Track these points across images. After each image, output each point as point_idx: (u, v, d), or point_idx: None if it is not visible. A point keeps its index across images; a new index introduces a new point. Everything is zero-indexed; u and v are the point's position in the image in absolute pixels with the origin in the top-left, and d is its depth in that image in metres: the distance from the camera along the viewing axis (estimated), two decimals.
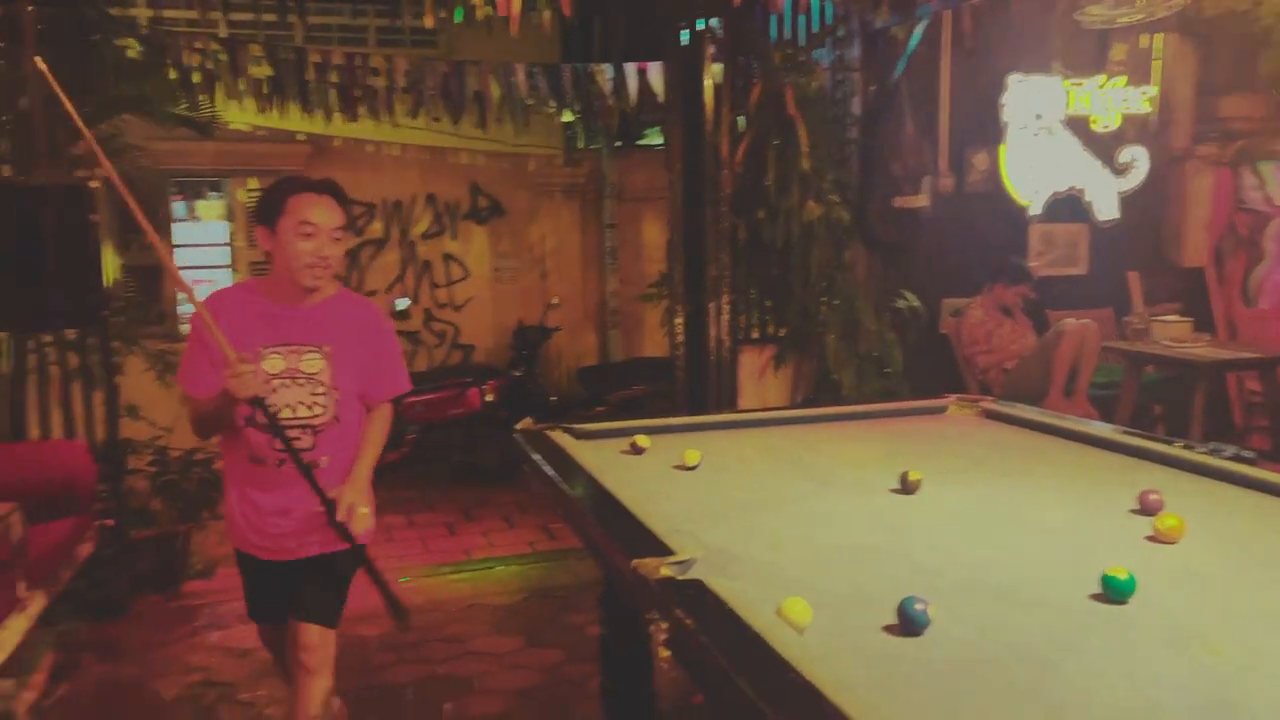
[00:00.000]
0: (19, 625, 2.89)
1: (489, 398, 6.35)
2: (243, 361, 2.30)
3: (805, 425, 3.09)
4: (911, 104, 5.61)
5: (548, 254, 7.80)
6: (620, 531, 1.92)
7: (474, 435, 6.43)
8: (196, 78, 4.93)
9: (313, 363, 2.46)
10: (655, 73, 5.44)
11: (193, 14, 5.94)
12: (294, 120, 5.60)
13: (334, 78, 5.21)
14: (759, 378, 5.43)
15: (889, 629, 1.49)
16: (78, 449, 3.69)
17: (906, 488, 2.26)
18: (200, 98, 5.09)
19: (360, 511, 2.43)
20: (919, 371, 5.46)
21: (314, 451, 2.45)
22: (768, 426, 3.08)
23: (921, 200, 5.54)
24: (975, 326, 5.50)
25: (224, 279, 7.20)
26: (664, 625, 1.56)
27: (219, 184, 7.12)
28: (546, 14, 4.49)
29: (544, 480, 2.46)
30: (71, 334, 4.34)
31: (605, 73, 5.51)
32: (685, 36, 5.08)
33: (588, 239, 7.92)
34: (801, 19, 5.42)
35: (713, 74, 4.99)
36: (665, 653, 1.57)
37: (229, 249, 7.15)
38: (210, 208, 7.20)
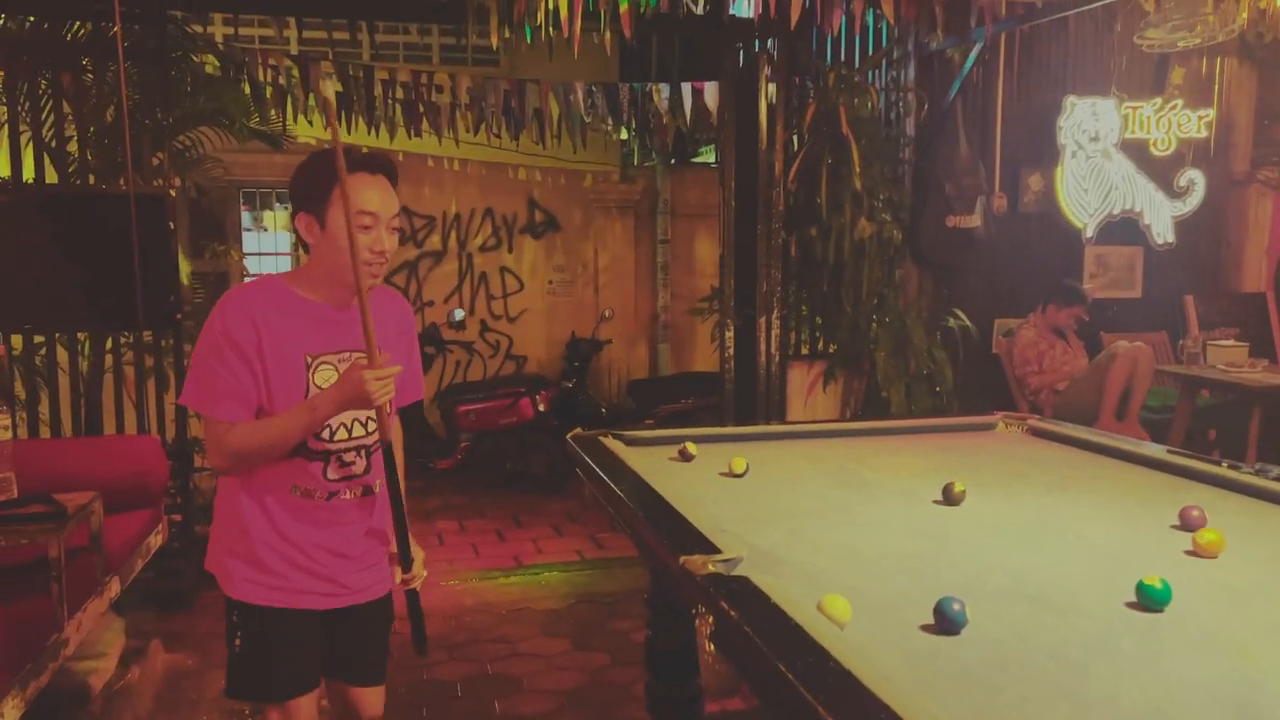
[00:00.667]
0: (97, 609, 3.04)
1: (541, 408, 6.47)
2: (389, 363, 1.97)
3: (853, 438, 3.14)
4: (966, 125, 5.65)
5: (601, 268, 7.93)
6: (668, 530, 2.00)
7: (526, 444, 6.56)
8: (269, 93, 5.14)
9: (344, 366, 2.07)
10: (710, 92, 5.54)
11: (268, 31, 6.19)
12: (360, 135, 5.80)
13: (399, 94, 5.39)
14: (808, 394, 5.49)
15: (926, 628, 1.55)
16: (152, 445, 3.86)
17: (950, 499, 2.31)
18: (272, 112, 5.31)
19: (420, 558, 2.15)
20: (970, 391, 5.48)
21: (368, 476, 2.13)
22: (815, 439, 3.14)
23: (974, 220, 5.56)
24: (1027, 347, 5.49)
25: None
26: (710, 619, 1.64)
27: (285, 195, 7.37)
28: (607, 35, 4.61)
29: (596, 481, 2.55)
30: (147, 336, 4.54)
31: (662, 92, 5.63)
32: (742, 57, 5.19)
33: (641, 254, 8.04)
34: (857, 40, 5.49)
35: (767, 94, 5.08)
36: (711, 646, 1.65)
37: (291, 258, 7.39)
38: (276, 218, 7.45)
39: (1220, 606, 1.67)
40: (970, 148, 5.67)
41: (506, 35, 4.72)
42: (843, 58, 5.48)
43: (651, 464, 2.61)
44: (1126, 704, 1.32)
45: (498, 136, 5.99)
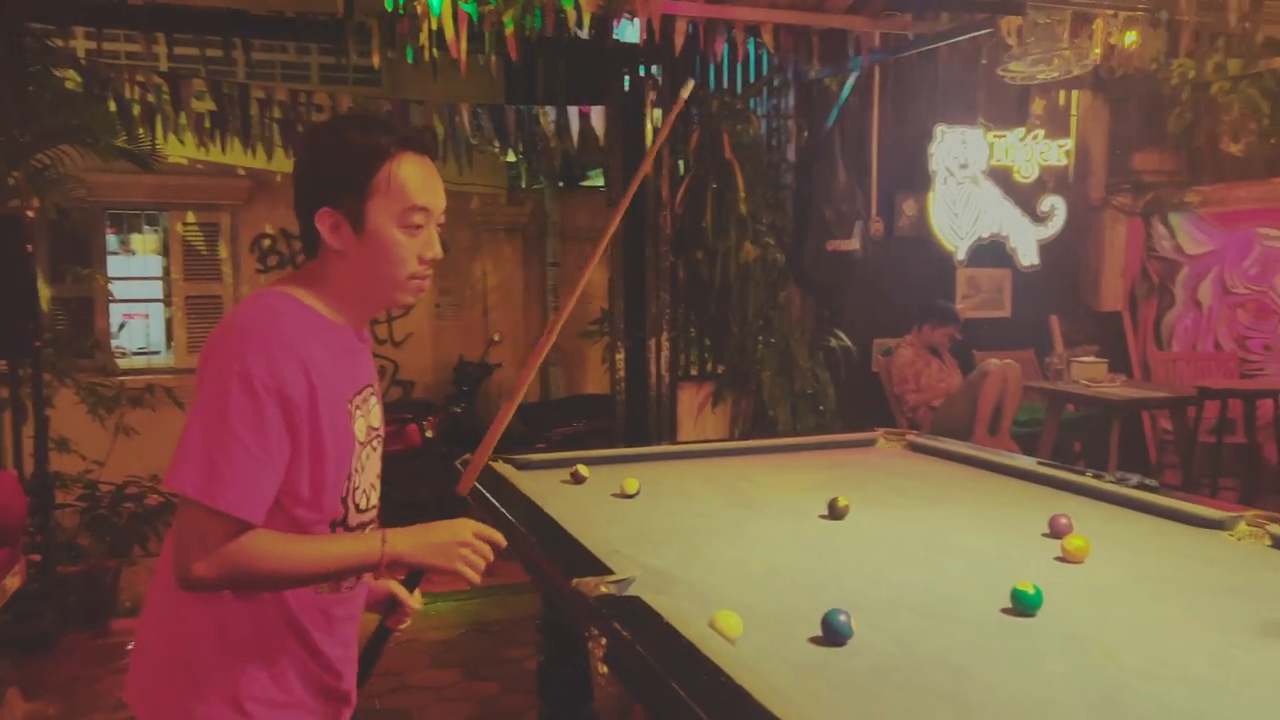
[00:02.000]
0: None
1: (429, 434, 6.36)
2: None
3: (741, 456, 3.19)
4: (844, 152, 5.83)
5: (489, 291, 7.87)
6: (560, 554, 1.99)
7: (413, 472, 6.42)
8: (137, 110, 4.93)
9: (377, 412, 1.62)
10: (597, 116, 5.58)
11: (135, 47, 5.94)
12: (235, 155, 5.62)
13: (277, 114, 5.24)
14: (697, 414, 5.55)
15: (814, 640, 1.58)
16: (7, 480, 3.63)
17: (835, 514, 2.37)
18: (140, 130, 5.09)
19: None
20: (851, 409, 5.63)
21: None
22: (706, 458, 3.18)
23: (853, 244, 5.74)
24: (904, 366, 5.69)
25: (156, 315, 7.13)
26: (602, 640, 1.63)
27: (155, 217, 7.07)
28: (493, 57, 4.60)
29: (486, 507, 2.52)
30: (2, 365, 4.27)
31: (548, 114, 5.64)
32: (627, 83, 5.25)
33: (530, 276, 8.01)
34: (739, 68, 5.62)
35: (653, 119, 5.15)
36: (604, 668, 1.64)
37: (162, 283, 7.08)
38: (145, 241, 7.13)
39: (1087, 609, 1.76)
40: (848, 174, 5.85)
41: (389, 55, 4.67)
42: (725, 85, 5.60)
43: (543, 487, 2.59)
44: (1004, 705, 1.37)
45: None
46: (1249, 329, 6.21)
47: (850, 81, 5.52)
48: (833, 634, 1.56)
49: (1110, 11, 5.26)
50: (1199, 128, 6.78)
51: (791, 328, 5.54)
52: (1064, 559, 2.03)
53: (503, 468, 2.80)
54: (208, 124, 5.10)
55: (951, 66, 6.26)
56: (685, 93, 1.91)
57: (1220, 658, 1.54)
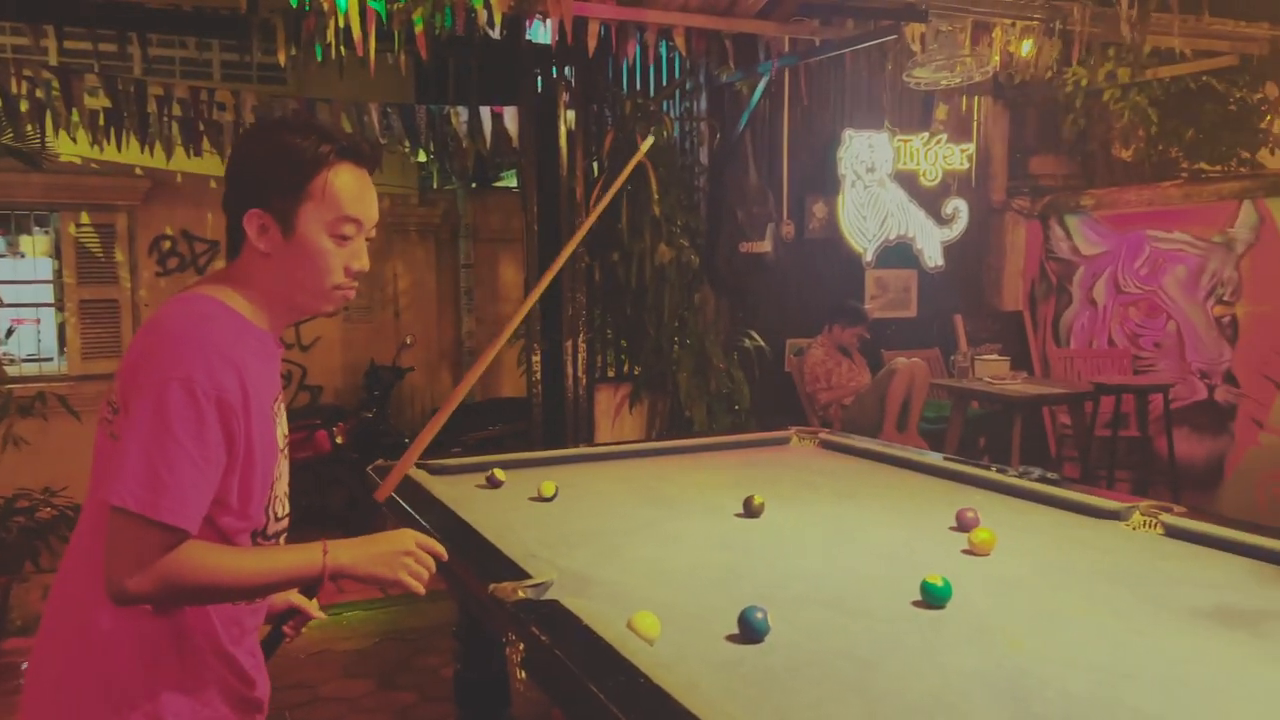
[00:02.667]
0: None
1: (338, 440, 6.22)
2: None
3: (658, 457, 3.21)
4: (755, 155, 5.91)
5: (401, 293, 7.74)
6: (477, 559, 1.97)
7: (323, 479, 6.28)
8: (24, 106, 4.70)
9: (284, 419, 1.57)
10: (510, 117, 5.54)
11: (22, 40, 5.68)
12: (132, 154, 5.40)
13: (176, 111, 5.07)
14: (615, 415, 5.55)
15: (731, 638, 1.60)
16: None
17: (751, 511, 2.40)
18: (29, 128, 4.87)
19: None
20: (766, 408, 5.71)
21: None
22: (622, 459, 3.18)
23: (765, 246, 5.82)
24: (816, 365, 5.79)
25: (48, 320, 6.82)
26: (520, 646, 1.62)
27: (46, 218, 6.76)
28: (402, 55, 4.52)
29: (400, 513, 2.47)
30: None
31: (460, 115, 5.57)
32: (540, 84, 5.22)
33: (443, 279, 7.90)
34: (651, 70, 5.65)
35: (566, 120, 5.14)
36: (522, 673, 1.63)
37: (53, 286, 6.78)
38: (35, 243, 6.81)
39: (993, 600, 1.81)
40: (759, 176, 5.93)
41: (294, 53, 4.55)
42: (638, 87, 5.62)
43: (459, 493, 2.56)
44: (912, 696, 1.40)
45: None
46: (1140, 327, 6.50)
47: (761, 86, 5.59)
48: (749, 631, 1.58)
49: (1008, 20, 5.44)
50: (1092, 134, 7.07)
51: (707, 329, 5.59)
52: (971, 551, 2.09)
53: (417, 473, 2.76)
54: (102, 121, 4.90)
55: (859, 72, 6.41)
56: (645, 146, 1.99)
57: (1119, 644, 1.60)
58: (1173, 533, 2.22)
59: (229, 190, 1.46)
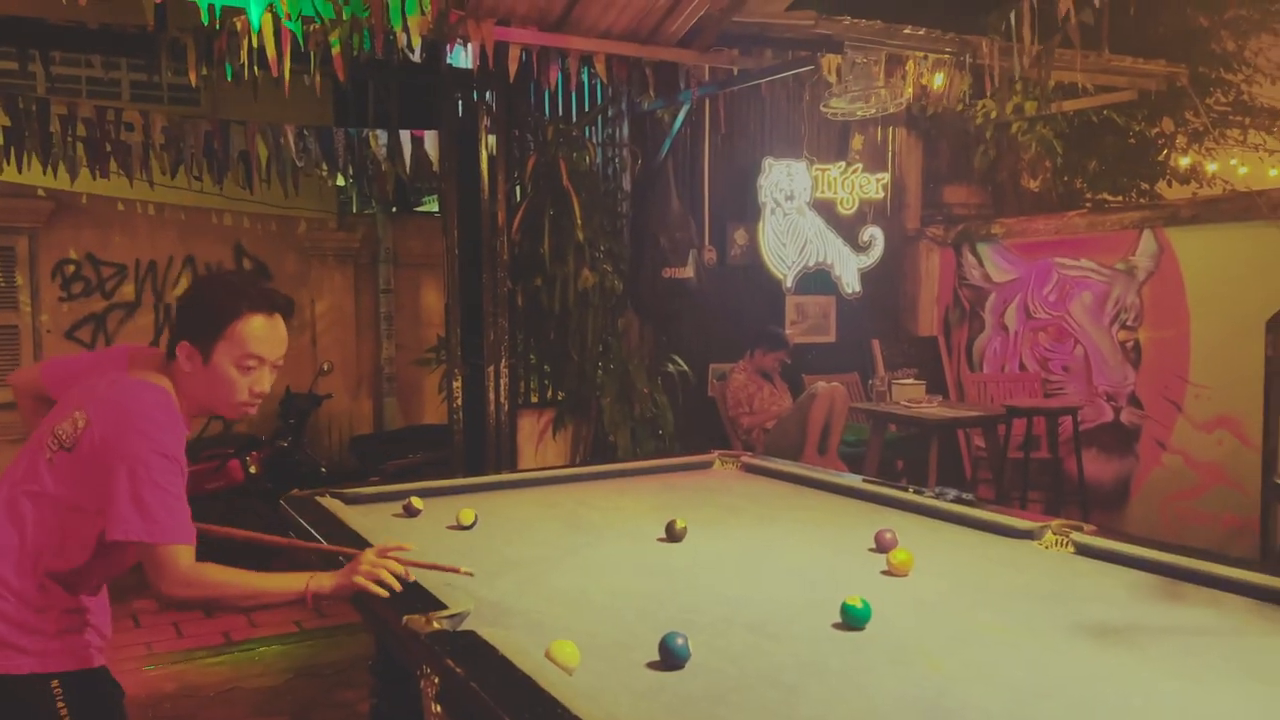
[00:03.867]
0: None
1: (252, 469, 6.02)
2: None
3: (582, 483, 3.17)
4: (677, 181, 5.96)
5: (318, 318, 7.57)
6: (391, 589, 1.91)
7: (235, 509, 6.07)
8: None
9: None
10: (431, 141, 5.49)
11: None
12: (34, 175, 5.20)
13: (81, 131, 4.89)
14: (538, 442, 5.50)
15: (653, 665, 1.58)
16: None
17: (673, 536, 2.39)
18: None
19: None
20: (689, 433, 5.72)
21: None
22: (544, 485, 3.14)
23: (688, 272, 5.86)
24: (738, 390, 5.83)
25: None
26: (435, 679, 1.57)
27: None
28: (318, 77, 4.45)
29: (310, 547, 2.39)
30: None
31: (379, 138, 5.50)
32: (461, 108, 5.19)
33: (362, 304, 7.76)
34: (573, 96, 5.66)
35: (488, 145, 5.11)
36: (437, 707, 1.58)
37: None
38: None
39: (912, 620, 1.83)
40: (681, 203, 5.98)
41: (205, 73, 4.44)
42: (560, 113, 5.63)
43: (374, 522, 2.50)
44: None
45: (199, 180, 5.59)
46: (1049, 351, 6.71)
47: (682, 114, 5.65)
48: (670, 657, 1.56)
49: (921, 54, 5.61)
50: (1001, 164, 7.31)
51: (630, 353, 5.58)
52: (890, 572, 2.11)
53: (330, 503, 2.68)
54: (1, 141, 4.70)
55: (777, 101, 6.53)
56: None
57: (1035, 662, 1.62)
58: (1083, 551, 2.28)
59: (175, 319, 1.97)
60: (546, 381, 5.58)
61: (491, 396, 5.13)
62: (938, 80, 5.69)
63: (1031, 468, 5.97)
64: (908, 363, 7.12)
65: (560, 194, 5.19)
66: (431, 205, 7.68)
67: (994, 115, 6.83)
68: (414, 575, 1.92)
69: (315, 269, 7.56)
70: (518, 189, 5.33)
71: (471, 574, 1.97)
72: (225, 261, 7.25)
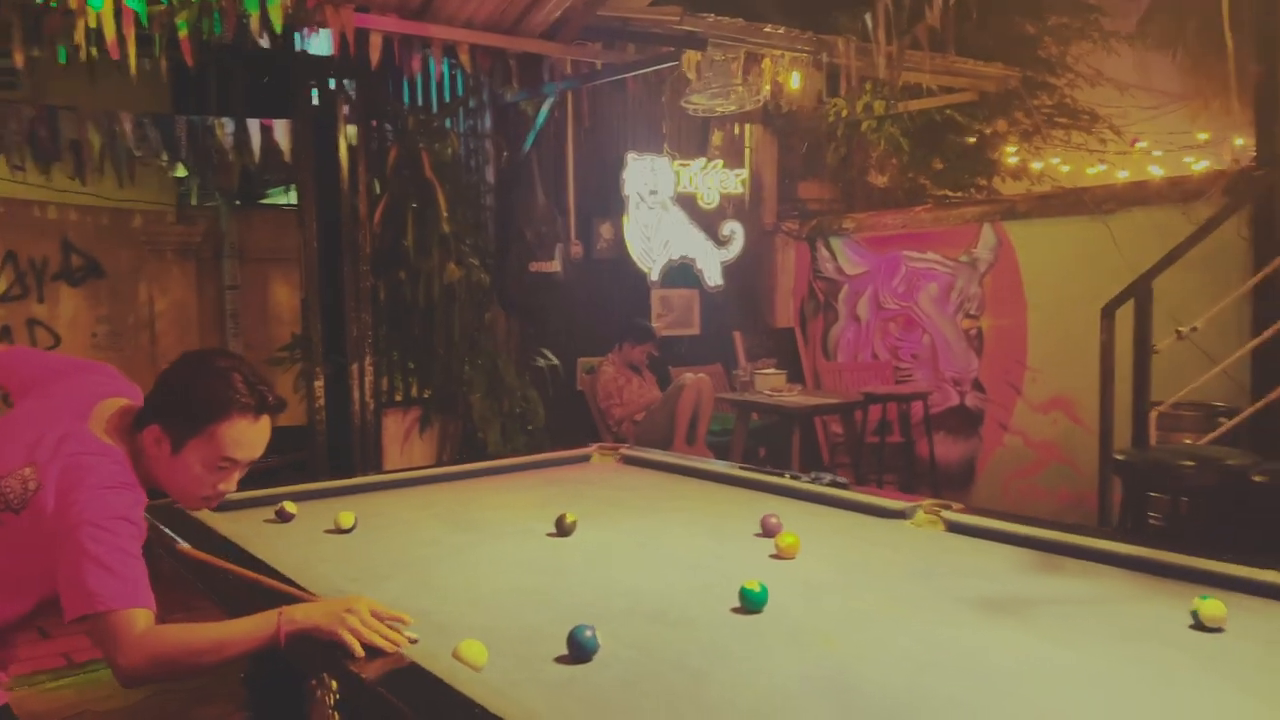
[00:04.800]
0: None
1: None
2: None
3: (459, 481, 3.12)
4: (542, 175, 5.93)
5: (157, 317, 7.14)
6: (277, 599, 1.82)
7: None
8: None
9: None
10: (281, 130, 5.26)
11: None
12: None
13: None
14: (403, 441, 5.37)
15: (560, 659, 1.57)
16: None
17: (563, 530, 2.38)
18: None
19: None
20: (559, 427, 5.70)
21: None
22: (422, 485, 3.07)
23: (554, 266, 5.84)
24: (608, 382, 5.86)
25: None
26: (334, 685, 1.52)
27: None
28: (162, 61, 4.19)
29: (177, 557, 2.26)
30: None
31: (225, 127, 5.23)
32: (317, 96, 4.99)
33: (205, 301, 7.36)
34: (434, 86, 5.54)
35: (347, 135, 4.94)
36: (335, 716, 1.53)
37: None
38: None
39: (805, 602, 1.88)
40: (547, 197, 5.96)
41: (35, 54, 4.12)
42: (420, 103, 5.50)
43: (246, 529, 2.38)
44: (745, 703, 1.43)
45: (21, 169, 5.18)
46: (899, 340, 7.03)
47: (546, 106, 5.62)
48: (579, 650, 1.55)
49: (778, 52, 5.77)
50: (852, 161, 7.60)
51: (499, 349, 5.52)
52: (778, 556, 2.16)
53: (198, 511, 2.53)
54: None
55: (640, 97, 6.58)
56: None
57: (924, 636, 1.70)
58: (954, 528, 2.40)
59: (152, 392, 1.76)
60: (411, 379, 5.45)
61: (356, 395, 4.98)
62: (794, 79, 5.87)
63: (886, 451, 6.24)
64: (767, 353, 7.32)
65: (423, 186, 5.07)
66: (278, 197, 7.37)
67: (845, 114, 7.10)
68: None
69: (152, 264, 7.12)
70: (378, 181, 5.18)
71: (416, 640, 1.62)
72: (51, 258, 6.75)
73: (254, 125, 5.25)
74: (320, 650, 1.54)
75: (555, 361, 5.79)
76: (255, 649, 1.59)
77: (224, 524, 2.42)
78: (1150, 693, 1.46)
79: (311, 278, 4.89)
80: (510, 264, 5.79)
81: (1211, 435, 4.41)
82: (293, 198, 6.30)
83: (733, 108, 6.02)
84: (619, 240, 6.52)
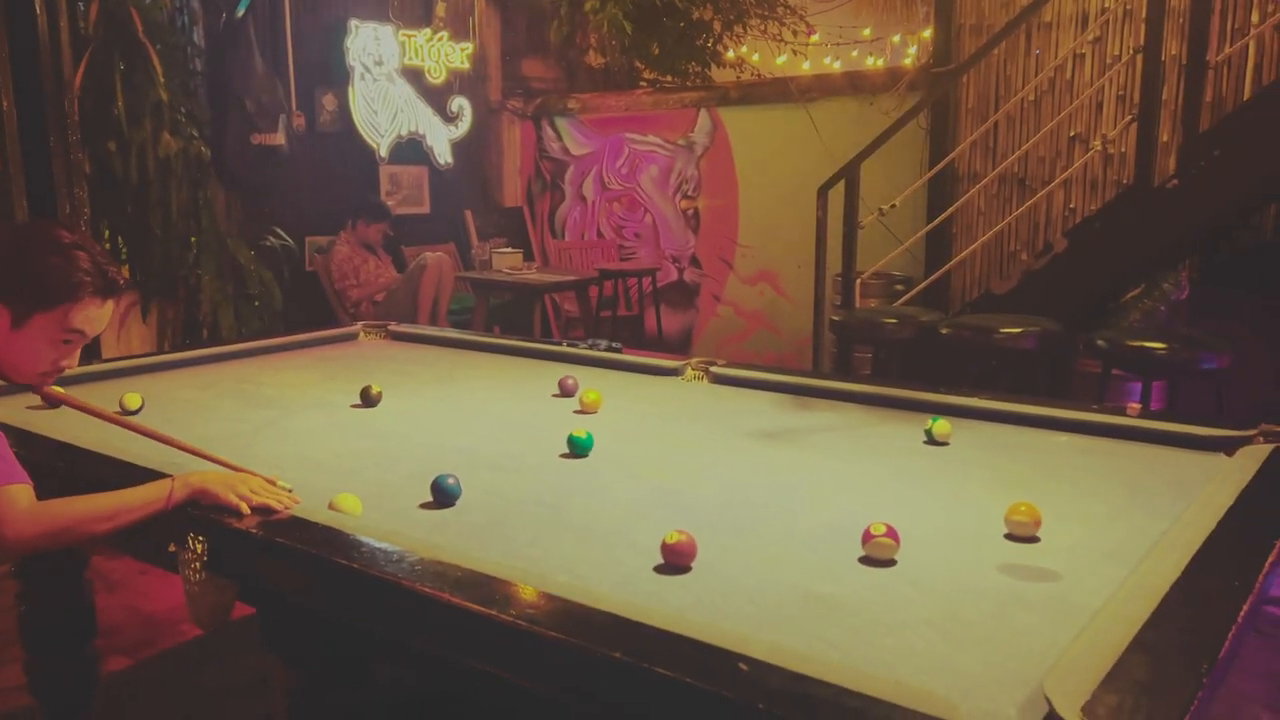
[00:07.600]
0: None
1: None
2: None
3: (226, 361, 3.04)
4: (259, 40, 5.54)
5: None
6: (108, 477, 1.80)
7: None
8: None
9: None
10: None
11: None
12: None
13: None
14: (119, 328, 4.99)
15: (425, 505, 1.71)
16: None
17: (369, 401, 2.45)
18: None
19: None
20: (292, 309, 5.53)
21: None
22: (191, 366, 2.97)
23: (279, 138, 5.54)
24: (343, 262, 5.73)
25: None
26: (200, 547, 1.57)
27: None
28: None
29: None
30: None
31: None
32: None
33: None
34: None
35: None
36: (200, 575, 1.59)
37: None
38: None
39: (621, 446, 2.13)
40: (266, 64, 5.59)
41: None
42: None
43: (8, 413, 2.24)
44: (608, 520, 1.66)
45: None
46: (623, 219, 7.38)
47: None
48: (444, 495, 1.70)
49: None
50: (574, 41, 7.70)
51: (229, 228, 5.21)
52: (583, 411, 2.39)
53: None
54: None
55: None
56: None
57: (729, 461, 2.01)
58: (719, 380, 2.74)
59: None
60: (124, 260, 5.04)
61: None
62: None
63: (617, 324, 6.63)
64: (497, 232, 7.42)
65: (133, 46, 4.60)
66: None
67: None
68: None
69: None
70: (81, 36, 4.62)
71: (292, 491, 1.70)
72: None
73: None
74: (188, 521, 1.58)
75: (290, 241, 5.57)
76: (149, 516, 1.61)
77: None
78: (905, 487, 1.85)
79: (13, 145, 4.33)
80: (229, 136, 5.43)
81: (900, 301, 5.15)
82: None
83: None
84: (343, 112, 6.27)
